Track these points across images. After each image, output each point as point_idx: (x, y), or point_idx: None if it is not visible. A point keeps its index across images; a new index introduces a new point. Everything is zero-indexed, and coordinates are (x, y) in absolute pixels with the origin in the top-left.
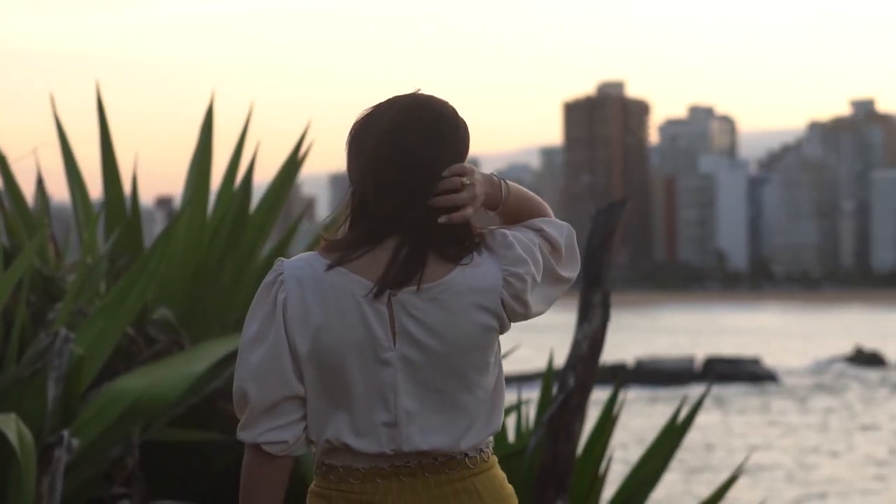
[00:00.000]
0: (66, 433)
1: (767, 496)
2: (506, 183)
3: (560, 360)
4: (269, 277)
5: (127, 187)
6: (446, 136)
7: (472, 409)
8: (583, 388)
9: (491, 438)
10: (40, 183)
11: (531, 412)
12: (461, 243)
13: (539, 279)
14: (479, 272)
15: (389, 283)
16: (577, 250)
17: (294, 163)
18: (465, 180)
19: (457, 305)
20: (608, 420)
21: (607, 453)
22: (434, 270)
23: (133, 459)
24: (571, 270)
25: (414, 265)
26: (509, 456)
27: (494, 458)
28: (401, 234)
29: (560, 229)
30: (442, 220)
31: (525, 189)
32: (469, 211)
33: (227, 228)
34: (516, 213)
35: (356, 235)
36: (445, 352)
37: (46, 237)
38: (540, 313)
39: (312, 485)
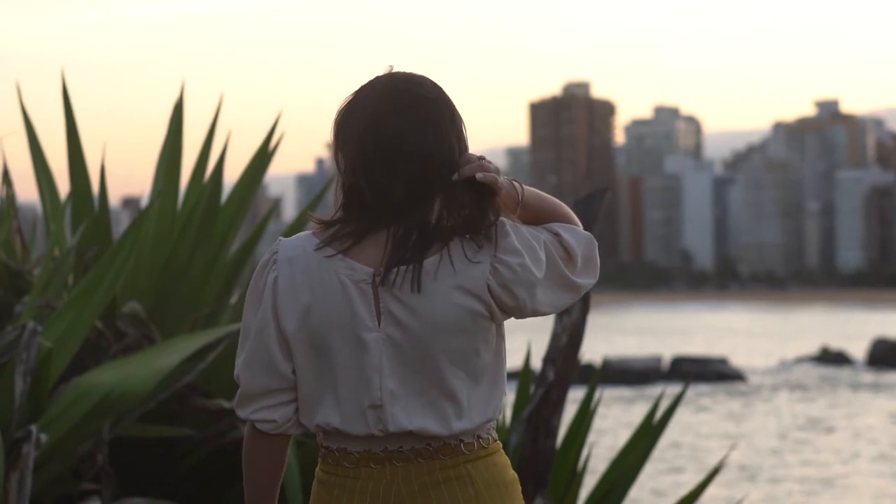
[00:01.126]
0: (34, 428)
1: (733, 495)
2: (519, 183)
3: (536, 360)
4: (265, 257)
5: (94, 180)
6: (430, 118)
7: (460, 393)
8: (562, 382)
9: (491, 425)
10: (6, 174)
11: (507, 409)
12: (457, 229)
13: (539, 276)
14: (468, 256)
15: (393, 265)
16: (597, 261)
17: (265, 152)
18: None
19: (436, 287)
20: (586, 415)
21: (585, 449)
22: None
23: (103, 455)
24: (586, 279)
25: (414, 251)
26: None
27: (497, 445)
28: (396, 223)
29: (579, 238)
30: (479, 176)
31: (546, 195)
32: (502, 179)
33: (197, 220)
34: (537, 214)
35: (350, 223)
36: (425, 332)
37: (12, 229)
38: (543, 313)
39: (317, 468)
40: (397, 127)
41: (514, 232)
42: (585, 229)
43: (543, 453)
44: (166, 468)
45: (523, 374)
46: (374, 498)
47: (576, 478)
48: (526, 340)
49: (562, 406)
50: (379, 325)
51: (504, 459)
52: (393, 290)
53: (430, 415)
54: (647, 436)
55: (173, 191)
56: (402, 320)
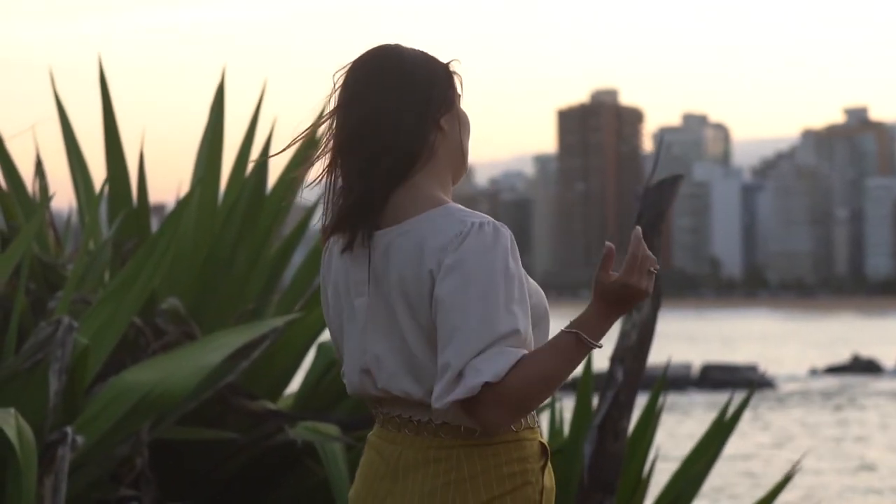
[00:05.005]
0: (69, 430)
1: None
2: (588, 340)
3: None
4: None
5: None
6: (370, 89)
7: (426, 370)
8: (632, 382)
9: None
10: (39, 164)
11: (565, 410)
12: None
13: (464, 313)
14: (431, 238)
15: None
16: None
17: (313, 138)
18: (653, 270)
19: (396, 259)
20: (650, 421)
21: (651, 455)
22: (406, 210)
23: (142, 459)
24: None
25: (364, 220)
26: None
27: (509, 436)
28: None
29: (474, 380)
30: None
31: (557, 357)
32: (638, 282)
33: (240, 212)
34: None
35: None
36: (389, 300)
37: (45, 221)
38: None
39: None
40: (342, 100)
41: (499, 260)
42: (657, 217)
43: (612, 457)
44: (208, 473)
45: (584, 378)
46: (387, 462)
47: (641, 484)
48: None
49: (630, 408)
50: (368, 290)
51: (514, 454)
52: (373, 250)
53: (409, 381)
54: (714, 442)
55: (214, 179)
56: (378, 286)
